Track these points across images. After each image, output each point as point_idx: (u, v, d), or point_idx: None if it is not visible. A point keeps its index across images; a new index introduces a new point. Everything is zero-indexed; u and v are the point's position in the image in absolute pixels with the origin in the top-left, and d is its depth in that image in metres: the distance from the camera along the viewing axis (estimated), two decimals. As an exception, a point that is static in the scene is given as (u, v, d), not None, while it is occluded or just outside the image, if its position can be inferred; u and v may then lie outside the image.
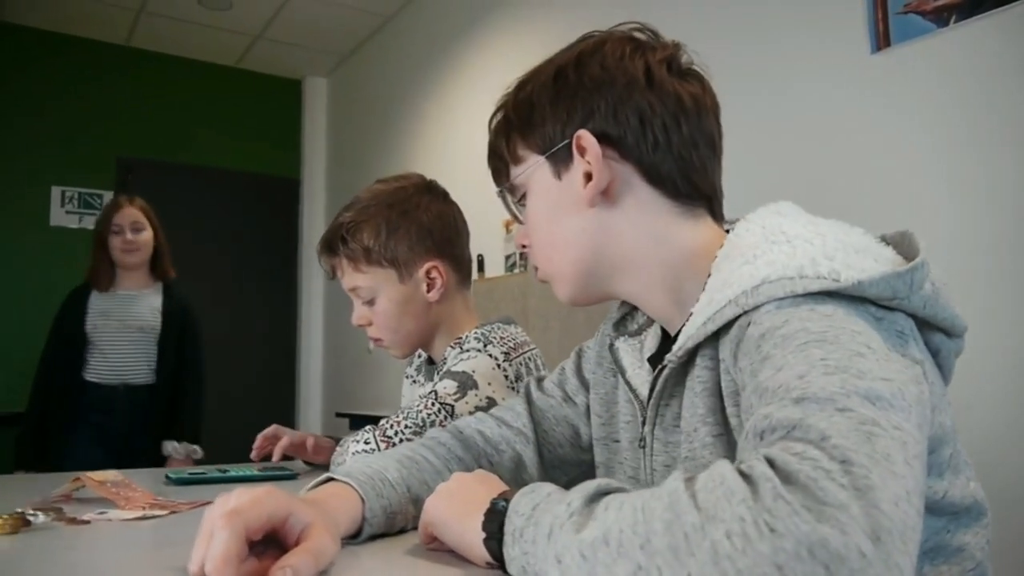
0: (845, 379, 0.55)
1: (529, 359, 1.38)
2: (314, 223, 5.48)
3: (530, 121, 0.87)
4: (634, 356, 0.92)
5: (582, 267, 0.87)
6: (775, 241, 0.73)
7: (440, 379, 1.31)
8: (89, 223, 4.30)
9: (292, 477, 1.42)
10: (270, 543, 0.66)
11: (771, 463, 0.49)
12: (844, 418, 0.52)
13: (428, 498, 0.77)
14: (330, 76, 5.62)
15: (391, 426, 1.19)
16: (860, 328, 0.63)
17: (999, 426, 1.72)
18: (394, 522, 0.84)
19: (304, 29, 4.87)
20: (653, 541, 0.49)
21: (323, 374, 5.45)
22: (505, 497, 0.65)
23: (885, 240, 0.76)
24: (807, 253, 0.69)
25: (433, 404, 1.23)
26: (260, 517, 0.63)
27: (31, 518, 0.95)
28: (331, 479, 0.85)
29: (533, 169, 0.88)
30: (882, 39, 2.05)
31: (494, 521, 0.65)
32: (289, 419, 5.36)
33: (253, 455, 1.56)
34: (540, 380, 1.08)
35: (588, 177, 0.83)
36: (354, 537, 0.80)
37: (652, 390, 0.83)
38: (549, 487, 0.63)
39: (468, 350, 1.35)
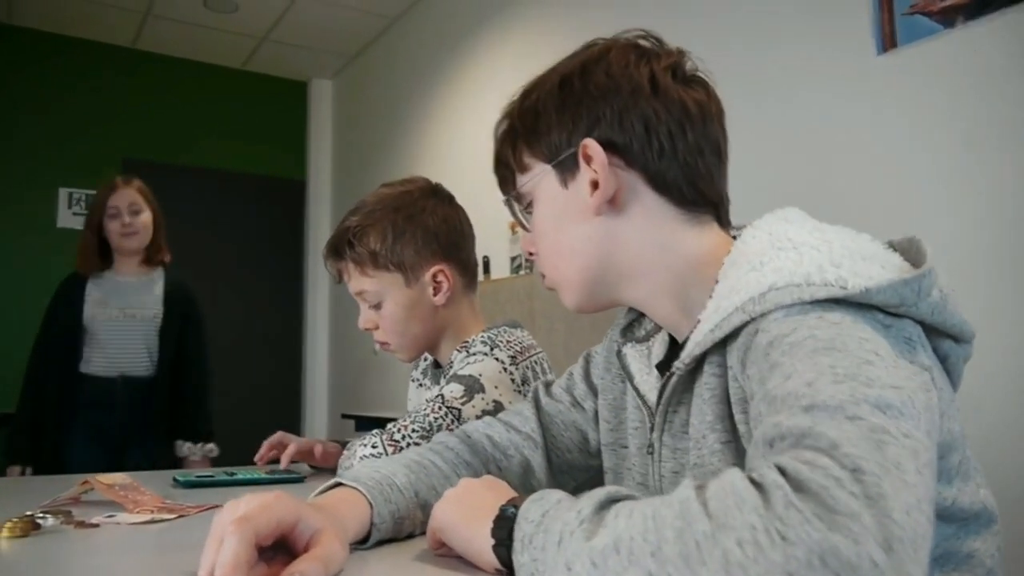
0: (854, 387, 0.55)
1: (535, 363, 1.38)
2: (320, 225, 5.50)
3: (536, 129, 0.87)
4: (642, 362, 0.92)
5: (589, 275, 0.87)
6: (782, 248, 0.73)
7: (447, 383, 1.31)
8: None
9: (299, 480, 1.42)
10: (279, 549, 0.66)
11: (782, 471, 0.49)
12: (854, 426, 0.52)
13: (436, 504, 0.77)
14: (336, 78, 5.63)
15: (398, 430, 1.19)
16: (868, 335, 0.63)
17: (999, 426, 1.72)
18: (402, 527, 0.85)
19: (310, 31, 4.88)
20: (664, 549, 0.49)
21: (329, 375, 5.46)
22: (514, 503, 0.66)
23: (892, 246, 0.76)
24: (814, 260, 0.69)
25: (440, 408, 1.23)
26: (270, 523, 0.64)
27: (40, 521, 0.95)
28: (339, 484, 0.85)
29: (539, 177, 0.88)
30: (888, 40, 2.04)
31: (503, 527, 0.65)
32: (295, 421, 5.37)
33: (258, 461, 1.56)
34: (548, 385, 1.08)
35: (594, 185, 0.83)
36: (362, 542, 0.81)
37: (660, 396, 0.84)
38: (558, 494, 0.63)
39: (475, 353, 1.35)
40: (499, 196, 0.97)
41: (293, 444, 1.49)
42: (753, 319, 0.70)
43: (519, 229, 0.96)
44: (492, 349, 1.35)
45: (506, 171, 0.94)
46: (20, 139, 4.62)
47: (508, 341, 1.38)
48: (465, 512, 0.72)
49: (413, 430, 1.19)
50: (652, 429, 0.86)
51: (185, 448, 2.72)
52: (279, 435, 1.54)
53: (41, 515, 0.97)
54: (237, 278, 5.16)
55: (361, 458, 1.17)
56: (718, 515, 0.48)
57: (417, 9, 4.58)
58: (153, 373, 2.73)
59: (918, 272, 0.68)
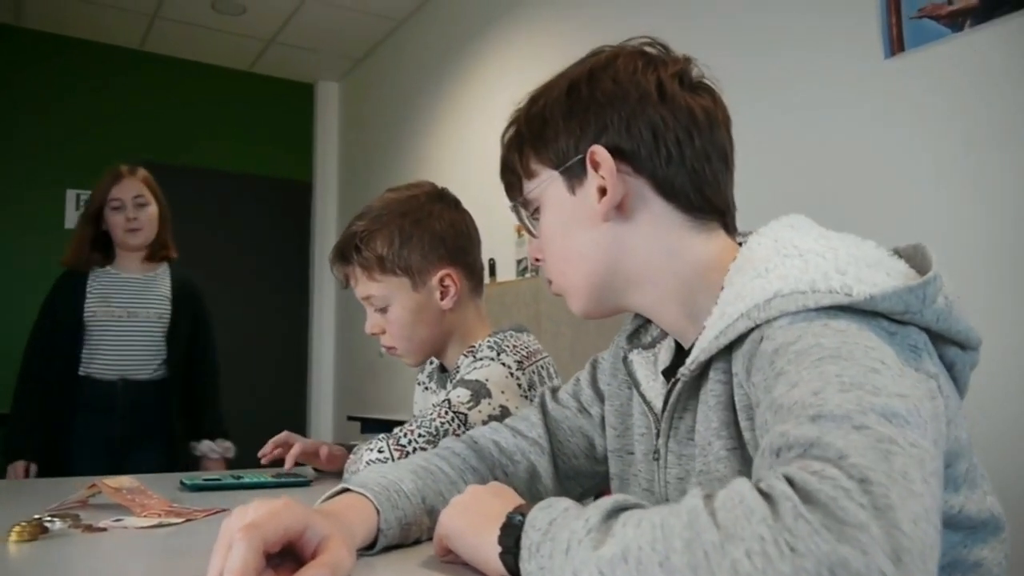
0: (861, 396, 0.55)
1: (542, 367, 1.38)
2: (326, 226, 5.51)
3: (543, 136, 0.88)
4: (648, 369, 0.92)
5: (596, 280, 0.87)
6: (787, 255, 0.73)
7: (453, 387, 1.31)
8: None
9: (305, 484, 1.42)
10: (287, 556, 0.66)
11: (790, 482, 0.49)
12: (861, 436, 0.52)
13: (443, 511, 0.77)
14: (342, 80, 5.64)
15: (404, 435, 1.20)
16: (874, 343, 0.63)
17: (1003, 429, 1.71)
18: (409, 533, 0.85)
19: (316, 34, 4.89)
20: (672, 559, 0.49)
21: (335, 377, 5.46)
22: (521, 511, 0.66)
23: (898, 253, 0.76)
24: (819, 267, 0.69)
25: (446, 413, 1.23)
26: (278, 530, 0.64)
27: (48, 525, 0.96)
28: (346, 489, 0.85)
29: (547, 184, 0.88)
30: (896, 44, 2.04)
31: (510, 535, 0.65)
32: (301, 423, 5.38)
33: (263, 460, 1.56)
34: (555, 391, 1.08)
35: (602, 191, 0.83)
36: (369, 548, 0.81)
37: (666, 403, 0.84)
38: (566, 502, 0.63)
39: (481, 358, 1.36)
40: (505, 199, 0.97)
41: (298, 444, 1.49)
42: (758, 326, 0.70)
43: (525, 233, 0.96)
44: (499, 354, 1.35)
45: (513, 177, 0.94)
46: (28, 140, 4.64)
47: (515, 346, 1.38)
48: (472, 519, 0.72)
49: (419, 435, 1.19)
50: (658, 435, 0.86)
51: (204, 447, 2.57)
52: (285, 435, 1.54)
53: (49, 519, 0.97)
54: (243, 280, 5.17)
55: (367, 463, 1.17)
56: (727, 525, 0.48)
57: (423, 12, 4.59)
58: (160, 375, 2.55)
59: (923, 279, 0.68)
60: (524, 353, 1.37)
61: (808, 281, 0.69)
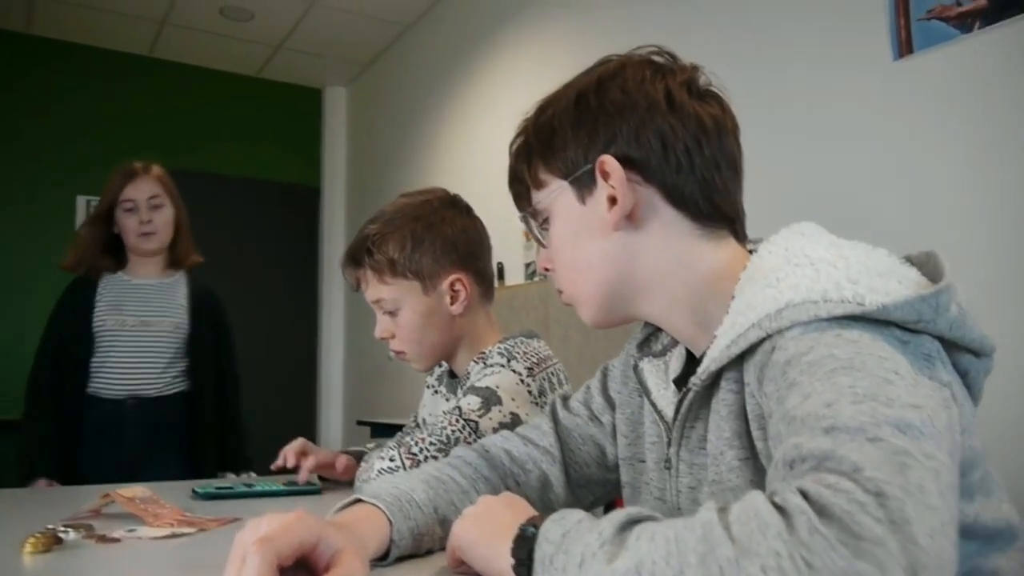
0: (875, 407, 0.55)
1: (552, 374, 1.38)
2: (334, 231, 5.52)
3: (551, 146, 0.88)
4: (659, 377, 0.92)
5: (606, 289, 0.87)
6: (798, 264, 0.73)
7: (464, 395, 1.31)
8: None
9: (316, 492, 1.43)
10: (300, 568, 0.66)
11: (805, 495, 0.48)
12: (876, 448, 0.51)
13: (455, 522, 0.77)
14: (350, 85, 5.66)
15: (416, 443, 1.20)
16: (887, 354, 0.63)
17: (1013, 436, 1.71)
18: (421, 543, 0.85)
19: (324, 39, 4.91)
20: (687, 574, 0.49)
21: (344, 382, 5.47)
22: (534, 523, 0.65)
23: (910, 260, 0.76)
24: (831, 277, 0.69)
25: (457, 421, 1.23)
26: (291, 544, 0.64)
27: (62, 535, 0.96)
28: (358, 500, 0.85)
29: (556, 194, 0.88)
30: (904, 46, 2.03)
31: (523, 547, 0.65)
32: (310, 427, 5.39)
33: (275, 467, 1.55)
34: (566, 399, 1.08)
35: (612, 201, 0.83)
36: (382, 559, 0.81)
37: (677, 411, 0.84)
38: (579, 514, 0.63)
39: (492, 365, 1.36)
40: (512, 202, 0.97)
41: (313, 457, 1.48)
42: (770, 336, 0.70)
43: (533, 239, 0.96)
44: (509, 361, 1.35)
45: (521, 187, 0.94)
46: (38, 147, 4.67)
47: (525, 352, 1.38)
48: (484, 530, 0.72)
49: (431, 443, 1.19)
50: (669, 444, 0.86)
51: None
52: (300, 443, 1.52)
53: (63, 529, 0.98)
54: (252, 285, 5.18)
55: (379, 471, 1.17)
56: (742, 540, 0.48)
57: (430, 17, 4.59)
58: (173, 391, 2.32)
59: (936, 288, 0.67)
60: (534, 360, 1.37)
61: (820, 290, 0.68)
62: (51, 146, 4.69)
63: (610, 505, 1.18)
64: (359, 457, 1.48)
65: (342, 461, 1.50)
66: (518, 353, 1.37)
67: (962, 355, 0.72)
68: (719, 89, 0.89)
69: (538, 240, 0.94)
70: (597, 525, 0.59)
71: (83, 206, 4.72)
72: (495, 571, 0.70)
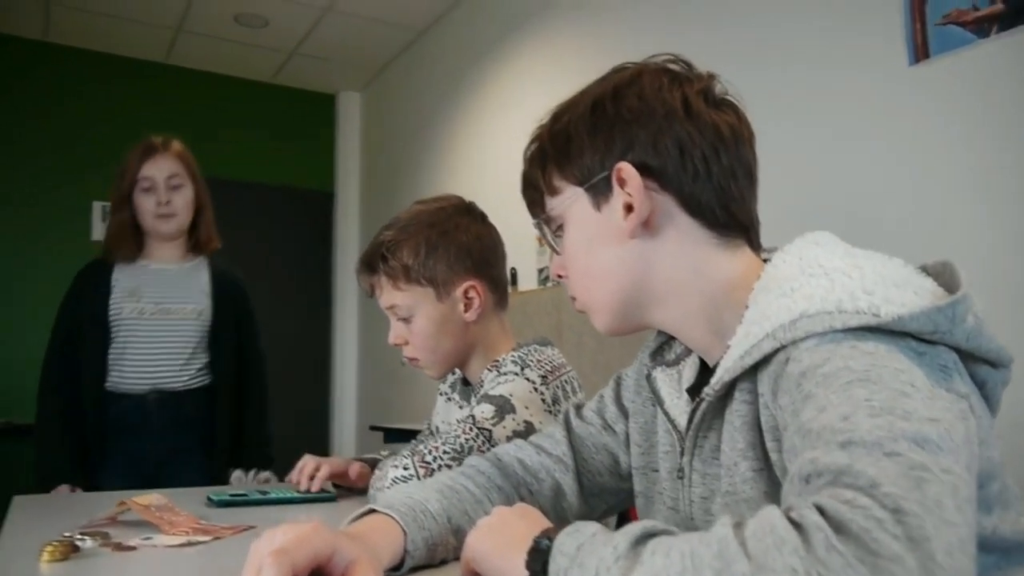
0: (891, 421, 0.55)
1: (566, 382, 1.38)
2: (348, 235, 5.54)
3: (567, 152, 0.87)
4: (672, 386, 0.92)
5: (621, 297, 0.87)
6: (812, 274, 0.72)
7: (478, 403, 1.31)
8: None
9: (331, 499, 1.43)
10: (315, 578, 0.67)
11: (821, 511, 0.48)
12: (893, 463, 0.51)
13: (469, 533, 0.77)
14: (363, 90, 5.67)
15: (429, 452, 1.20)
16: (903, 366, 0.62)
17: (1019, 436, 1.69)
18: (435, 554, 0.85)
19: (338, 45, 4.93)
20: None
21: (357, 387, 5.48)
22: (548, 535, 0.65)
23: (926, 270, 0.75)
24: (845, 287, 0.69)
25: (471, 429, 1.23)
26: (307, 556, 0.64)
27: (79, 543, 0.97)
28: (372, 510, 0.85)
29: (571, 201, 0.88)
30: (920, 51, 2.02)
31: (537, 560, 0.65)
32: (323, 433, 5.40)
33: (292, 481, 1.55)
34: (579, 407, 1.08)
35: (628, 208, 0.83)
36: (396, 569, 0.81)
37: (690, 421, 0.83)
38: (593, 526, 0.63)
39: (505, 373, 1.36)
40: (525, 207, 0.97)
41: (326, 467, 1.48)
42: (784, 346, 0.69)
43: (546, 245, 0.96)
44: (523, 369, 1.35)
45: (535, 194, 0.93)
46: (54, 153, 4.70)
47: (539, 360, 1.38)
48: (498, 542, 0.72)
49: (444, 452, 1.20)
50: (682, 453, 0.86)
51: (233, 479, 2.03)
52: (312, 461, 1.51)
53: (80, 537, 0.98)
54: (266, 289, 5.19)
55: (393, 480, 1.17)
56: (757, 556, 0.48)
57: (444, 22, 4.60)
58: (198, 383, 2.16)
59: (952, 298, 0.67)
60: (548, 368, 1.37)
61: (834, 301, 0.68)
62: (67, 152, 4.73)
63: (623, 514, 1.18)
64: (373, 464, 1.49)
65: (355, 468, 1.50)
66: (532, 361, 1.37)
67: (979, 366, 0.72)
68: (735, 98, 0.88)
69: (552, 247, 0.94)
70: (612, 539, 0.58)
71: (99, 212, 4.75)
72: (509, 583, 0.69)
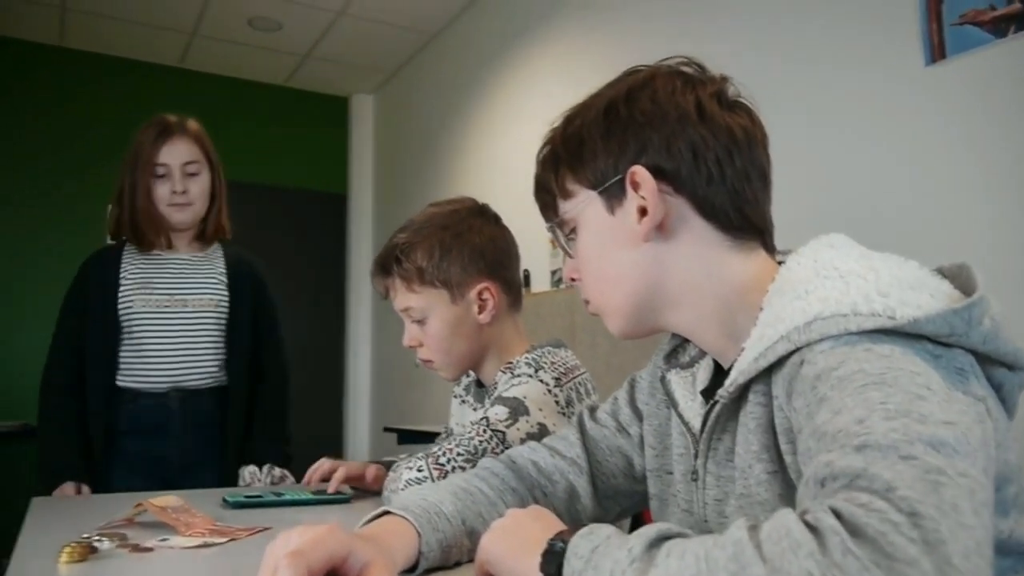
0: (907, 424, 0.55)
1: (580, 384, 1.38)
2: (361, 238, 5.56)
3: (580, 156, 0.87)
4: (686, 389, 0.91)
5: (636, 300, 0.87)
6: (827, 276, 0.72)
7: (491, 405, 1.32)
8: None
9: (345, 500, 1.43)
10: (330, 579, 0.67)
11: (837, 515, 0.48)
12: (909, 467, 0.51)
13: (484, 535, 0.77)
14: (376, 93, 5.69)
15: (443, 453, 1.20)
16: (919, 369, 0.62)
17: None
18: (449, 555, 0.85)
19: (351, 48, 4.95)
20: None
21: (371, 389, 5.50)
22: (563, 537, 0.65)
23: (942, 272, 0.75)
24: (860, 289, 0.69)
25: (485, 431, 1.23)
26: (322, 557, 0.65)
27: (97, 544, 0.98)
28: (387, 512, 0.86)
29: (584, 204, 0.88)
30: (936, 51, 2.01)
31: (552, 562, 0.65)
32: (337, 434, 5.42)
33: (306, 481, 1.57)
34: (593, 410, 1.08)
35: (642, 212, 0.83)
36: (411, 571, 0.81)
37: (704, 423, 0.83)
38: (608, 529, 0.63)
39: (519, 375, 1.36)
40: (538, 210, 0.97)
41: (342, 468, 1.49)
42: (798, 349, 0.69)
43: (558, 247, 0.96)
44: (537, 371, 1.35)
45: (548, 196, 0.93)
46: (69, 157, 4.74)
47: (552, 362, 1.38)
48: (513, 545, 0.72)
49: (458, 454, 1.20)
50: (696, 456, 0.86)
51: (247, 474, 1.91)
52: (327, 464, 1.53)
53: (98, 538, 0.99)
54: (279, 291, 5.19)
55: (407, 482, 1.18)
56: (773, 559, 0.47)
57: (456, 25, 4.61)
58: (220, 381, 2.02)
59: (968, 301, 0.67)
60: (562, 369, 1.37)
61: (849, 304, 0.68)
62: (81, 155, 4.77)
63: (637, 517, 1.18)
64: (390, 466, 1.49)
65: (372, 471, 1.51)
66: (546, 363, 1.37)
67: (996, 369, 0.71)
68: (748, 100, 0.88)
69: (565, 250, 0.94)
70: (627, 541, 0.58)
71: (114, 215, 4.79)
72: (523, 585, 0.70)
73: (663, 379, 0.95)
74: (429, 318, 1.42)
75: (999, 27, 1.87)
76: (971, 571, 0.45)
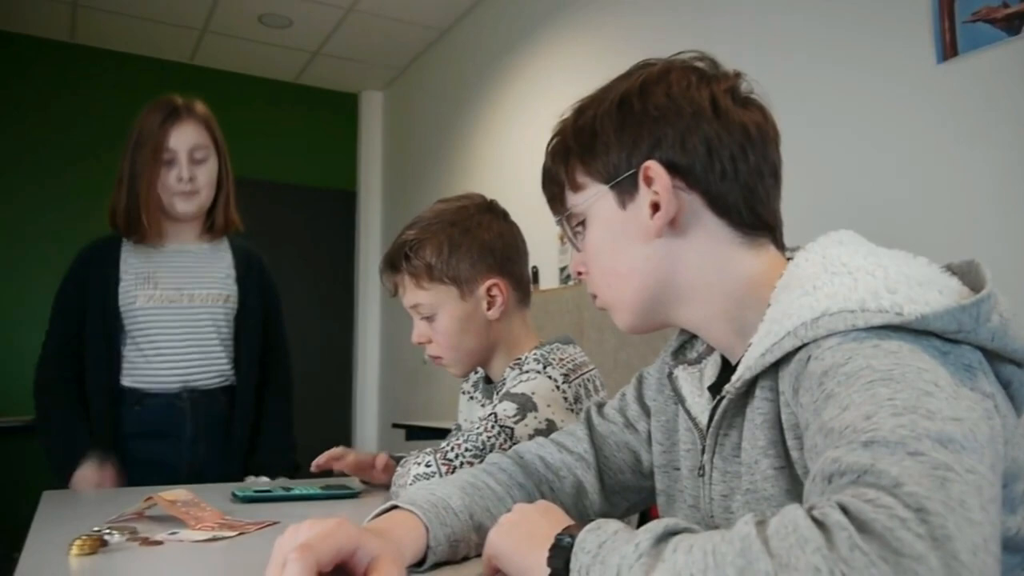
0: (915, 420, 0.55)
1: (588, 380, 1.38)
2: (371, 234, 5.57)
3: (592, 149, 0.87)
4: (694, 384, 0.91)
5: (645, 295, 0.87)
6: (835, 272, 0.72)
7: (499, 401, 1.32)
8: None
9: (353, 495, 1.44)
10: (338, 573, 0.67)
11: (845, 510, 0.48)
12: (916, 463, 0.51)
13: (491, 530, 0.77)
14: (386, 90, 5.70)
15: (451, 449, 1.21)
16: (927, 365, 0.62)
17: None
18: (457, 550, 0.86)
19: (361, 44, 4.95)
20: None
21: (379, 385, 5.51)
22: (570, 532, 0.66)
23: (951, 269, 0.75)
24: (869, 286, 0.68)
25: (493, 427, 1.24)
26: (330, 551, 0.65)
27: (108, 537, 0.98)
28: (395, 506, 0.86)
29: (595, 198, 0.87)
30: (948, 49, 2.00)
31: (559, 557, 0.65)
32: (345, 430, 5.44)
33: (314, 468, 1.57)
34: (600, 405, 1.08)
35: (655, 207, 0.82)
36: (418, 565, 0.82)
37: (711, 419, 0.83)
38: (615, 524, 0.63)
39: (527, 371, 1.36)
40: (547, 206, 0.96)
41: (352, 455, 1.51)
42: (805, 344, 0.69)
43: (567, 242, 0.96)
44: (545, 367, 1.35)
45: (556, 189, 0.93)
46: (79, 154, 4.76)
47: (561, 359, 1.38)
48: (520, 539, 0.72)
49: (466, 449, 1.20)
50: (703, 451, 0.86)
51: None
52: (338, 449, 1.55)
53: (108, 531, 1.00)
54: (288, 288, 5.20)
55: (415, 476, 1.18)
56: (780, 554, 0.47)
57: (466, 21, 4.61)
58: (230, 381, 1.92)
59: (976, 297, 0.66)
60: (570, 366, 1.38)
61: (857, 300, 0.68)
62: (94, 152, 4.79)
63: (645, 513, 1.18)
64: (399, 461, 1.50)
65: (382, 459, 1.52)
66: (554, 359, 1.37)
67: (1005, 365, 0.71)
68: (760, 97, 0.88)
69: (573, 243, 0.94)
70: (634, 536, 0.59)
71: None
72: (531, 580, 0.70)
73: (671, 375, 0.95)
74: (438, 314, 1.43)
75: (1012, 24, 1.86)
76: (978, 567, 0.45)
